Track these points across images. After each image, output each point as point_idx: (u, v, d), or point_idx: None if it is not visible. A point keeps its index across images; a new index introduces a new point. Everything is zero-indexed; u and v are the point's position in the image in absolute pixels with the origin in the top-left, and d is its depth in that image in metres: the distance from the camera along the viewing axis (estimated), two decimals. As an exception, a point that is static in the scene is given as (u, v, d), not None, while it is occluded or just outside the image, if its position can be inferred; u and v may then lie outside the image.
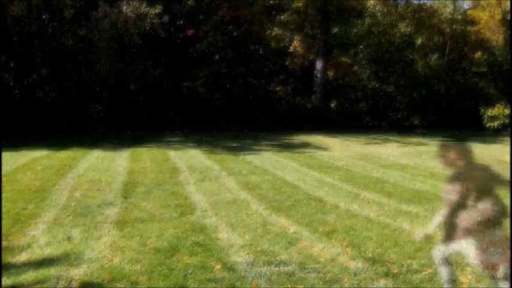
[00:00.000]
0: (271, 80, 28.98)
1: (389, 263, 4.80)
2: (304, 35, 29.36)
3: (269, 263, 4.76)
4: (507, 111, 14.32)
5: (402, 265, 4.74)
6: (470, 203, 3.52)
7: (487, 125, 14.93)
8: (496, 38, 34.61)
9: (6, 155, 13.01)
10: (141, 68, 23.35)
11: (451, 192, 3.57)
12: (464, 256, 3.69)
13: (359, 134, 23.35)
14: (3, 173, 10.09)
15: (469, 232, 3.50)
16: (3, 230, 5.77)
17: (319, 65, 28.11)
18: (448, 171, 3.81)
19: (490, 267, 3.53)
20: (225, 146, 16.97)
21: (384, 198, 8.11)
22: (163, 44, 24.97)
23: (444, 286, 3.90)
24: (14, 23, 20.55)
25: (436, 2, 33.68)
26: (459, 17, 35.36)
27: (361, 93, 29.81)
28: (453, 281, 3.88)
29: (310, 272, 4.56)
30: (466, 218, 3.52)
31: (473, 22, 35.96)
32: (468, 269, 4.64)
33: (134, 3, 22.65)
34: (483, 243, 3.49)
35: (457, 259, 4.88)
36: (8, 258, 4.86)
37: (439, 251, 3.85)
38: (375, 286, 4.31)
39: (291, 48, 29.84)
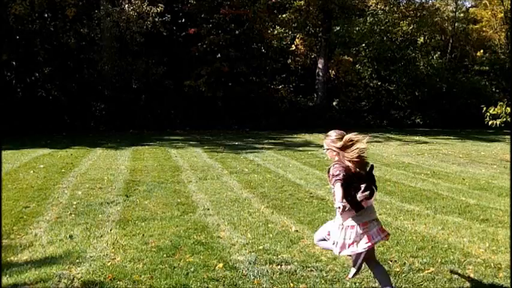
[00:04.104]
0: (273, 79, 28.98)
1: (391, 261, 4.80)
2: (306, 33, 29.34)
3: (271, 262, 4.76)
4: (509, 110, 14.26)
5: (404, 264, 4.74)
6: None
7: (489, 124, 14.87)
8: (498, 36, 34.60)
9: (8, 154, 13.04)
10: (143, 67, 23.34)
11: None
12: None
13: (361, 133, 23.29)
14: (5, 171, 10.12)
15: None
16: (5, 229, 5.79)
17: (321, 63, 28.10)
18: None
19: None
20: (227, 145, 16.97)
21: (386, 196, 8.10)
22: (165, 42, 24.98)
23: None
24: (16, 22, 20.52)
25: (438, 0, 33.64)
26: (461, 15, 35.34)
27: (363, 92, 29.78)
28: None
29: (312, 270, 4.56)
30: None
31: (475, 20, 35.97)
32: (470, 267, 4.64)
33: (136, 2, 22.65)
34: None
35: (460, 258, 4.89)
36: (10, 257, 4.87)
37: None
38: (376, 285, 4.30)
39: (293, 47, 29.83)
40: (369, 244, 3.73)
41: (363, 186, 3.73)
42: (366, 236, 3.74)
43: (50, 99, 23.16)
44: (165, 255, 4.90)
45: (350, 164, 3.75)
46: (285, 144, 17.59)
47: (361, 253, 3.77)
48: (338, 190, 3.62)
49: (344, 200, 3.64)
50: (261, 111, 25.86)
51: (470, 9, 37.20)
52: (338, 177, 3.67)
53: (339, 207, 3.59)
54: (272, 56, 28.27)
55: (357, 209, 3.74)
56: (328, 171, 3.86)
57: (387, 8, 29.69)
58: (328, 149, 3.96)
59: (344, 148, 3.80)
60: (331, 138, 3.92)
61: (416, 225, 6.23)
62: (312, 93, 28.74)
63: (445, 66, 31.62)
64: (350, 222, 3.76)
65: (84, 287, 4.14)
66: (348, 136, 3.85)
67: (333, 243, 3.86)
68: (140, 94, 24.96)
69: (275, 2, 27.66)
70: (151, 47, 23.97)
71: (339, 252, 3.83)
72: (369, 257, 3.89)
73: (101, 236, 5.61)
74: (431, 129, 26.59)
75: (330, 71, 29.41)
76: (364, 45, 29.32)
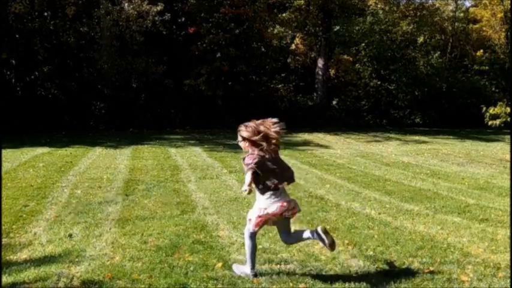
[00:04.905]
0: (272, 78, 28.96)
1: (390, 261, 4.80)
2: (306, 33, 29.31)
3: (270, 261, 4.76)
4: (509, 110, 14.29)
5: (403, 263, 4.74)
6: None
7: (489, 124, 14.89)
8: (498, 36, 34.57)
9: (7, 152, 13.04)
10: (143, 66, 23.30)
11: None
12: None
13: (360, 132, 23.35)
14: (5, 170, 10.12)
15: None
16: (4, 227, 5.79)
17: (320, 62, 28.08)
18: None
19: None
20: (227, 144, 16.97)
21: (385, 196, 8.10)
22: (164, 41, 24.95)
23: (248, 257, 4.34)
24: (15, 21, 20.50)
25: (438, 0, 33.62)
26: (461, 15, 35.30)
27: (363, 91, 29.77)
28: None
29: (311, 270, 4.56)
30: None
31: (475, 20, 35.92)
32: (469, 267, 4.64)
33: (136, 1, 22.62)
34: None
35: (459, 258, 4.89)
36: (9, 256, 4.87)
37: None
38: (375, 285, 4.30)
39: (293, 46, 29.83)
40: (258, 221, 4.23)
41: (278, 170, 4.28)
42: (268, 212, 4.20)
43: (50, 98, 23.15)
44: (164, 255, 4.90)
45: (265, 153, 4.20)
46: (284, 143, 17.55)
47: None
48: (248, 177, 4.08)
49: (252, 185, 4.13)
50: (260, 110, 25.68)
51: (470, 9, 37.15)
52: (250, 166, 4.12)
53: (245, 190, 4.06)
54: (272, 55, 28.25)
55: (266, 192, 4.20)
56: (244, 160, 4.25)
57: (387, 7, 29.66)
58: (242, 140, 4.32)
59: (262, 140, 4.26)
60: (247, 131, 4.29)
61: (416, 224, 6.23)
62: (312, 93, 28.73)
63: (444, 65, 31.61)
64: (263, 204, 4.23)
65: (83, 286, 4.14)
66: (261, 128, 4.36)
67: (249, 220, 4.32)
68: (140, 93, 24.93)
69: (275, 1, 27.62)
70: (151, 46, 23.94)
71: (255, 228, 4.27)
72: (285, 232, 4.37)
73: (100, 235, 5.61)
74: (430, 128, 26.60)
75: (330, 70, 29.38)
76: (364, 44, 29.33)
